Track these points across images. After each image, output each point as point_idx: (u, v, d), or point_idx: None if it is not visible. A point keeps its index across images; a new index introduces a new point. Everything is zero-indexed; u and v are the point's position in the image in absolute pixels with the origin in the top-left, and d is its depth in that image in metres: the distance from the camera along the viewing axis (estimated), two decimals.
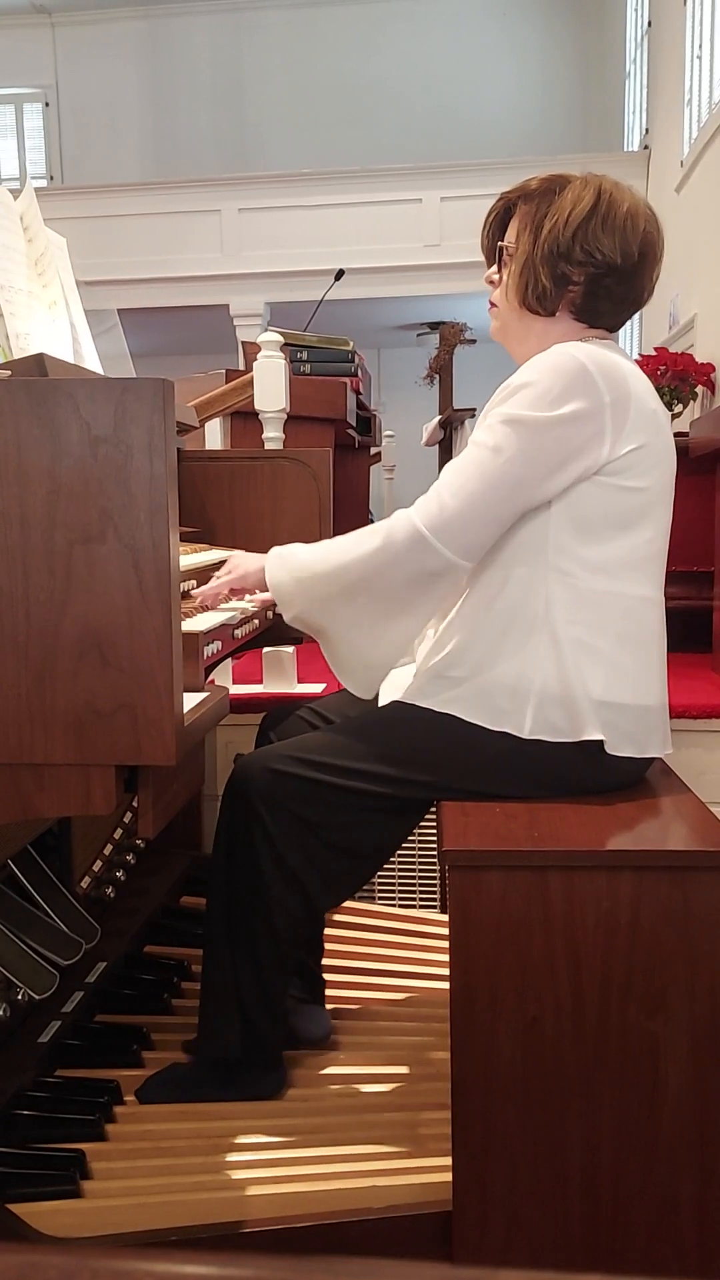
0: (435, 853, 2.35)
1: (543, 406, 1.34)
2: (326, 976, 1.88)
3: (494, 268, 1.53)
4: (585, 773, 1.41)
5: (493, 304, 1.54)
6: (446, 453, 5.23)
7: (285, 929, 1.44)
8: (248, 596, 1.59)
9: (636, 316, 8.06)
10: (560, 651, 1.37)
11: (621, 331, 8.43)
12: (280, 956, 1.46)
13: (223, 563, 1.78)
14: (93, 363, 1.64)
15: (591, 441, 1.36)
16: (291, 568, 1.45)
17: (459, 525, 1.36)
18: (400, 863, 2.37)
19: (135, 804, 1.13)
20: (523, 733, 1.37)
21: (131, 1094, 1.55)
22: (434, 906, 2.35)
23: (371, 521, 4.12)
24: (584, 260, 1.42)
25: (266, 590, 1.49)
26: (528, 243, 1.45)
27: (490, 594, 1.40)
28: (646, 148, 8.10)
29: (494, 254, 1.53)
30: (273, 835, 1.40)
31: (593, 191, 1.43)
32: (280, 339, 2.31)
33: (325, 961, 1.88)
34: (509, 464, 1.35)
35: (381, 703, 1.52)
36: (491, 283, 1.53)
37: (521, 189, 1.49)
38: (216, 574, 1.56)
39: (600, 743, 1.37)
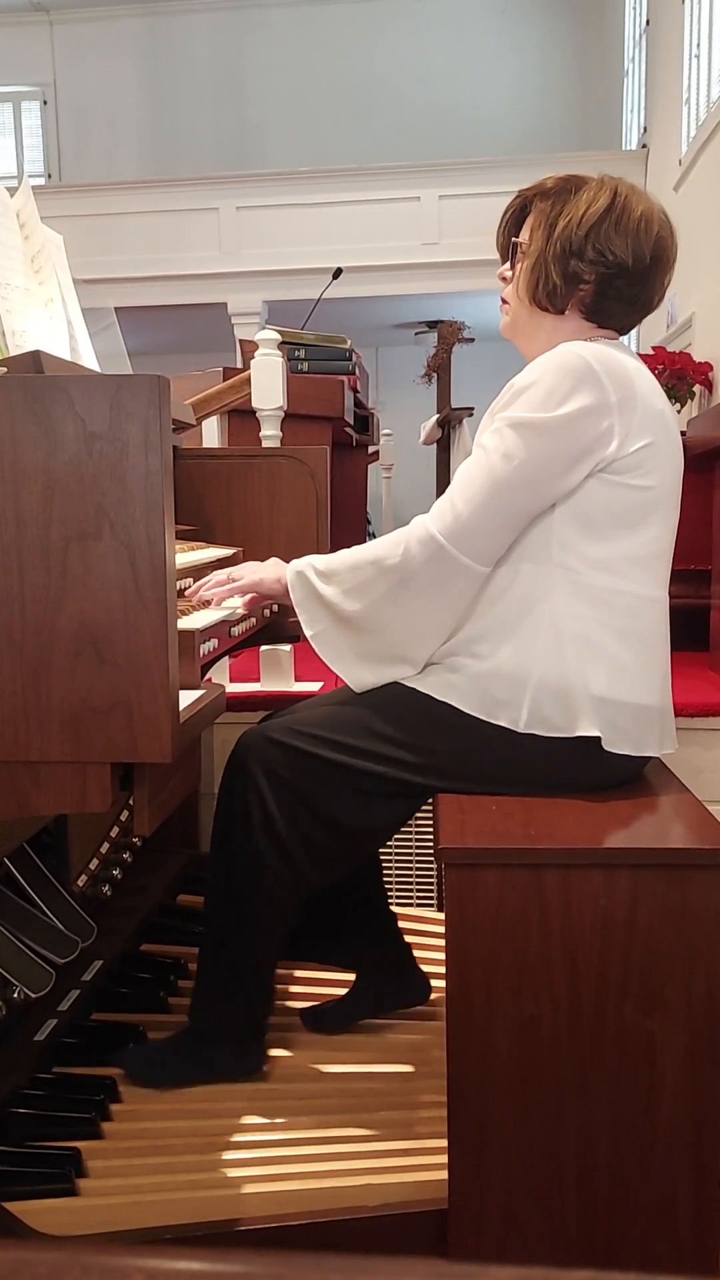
0: (432, 850, 2.35)
1: (549, 407, 1.35)
2: (322, 974, 1.88)
3: (507, 264, 1.54)
4: (579, 769, 1.41)
5: (504, 300, 1.55)
6: (445, 451, 5.23)
7: (280, 899, 1.46)
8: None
9: None
10: (562, 646, 1.37)
11: None
12: (272, 927, 1.49)
13: (221, 561, 1.78)
14: (90, 360, 1.63)
15: (600, 438, 1.36)
16: (314, 586, 1.44)
17: (475, 532, 1.37)
18: (397, 861, 2.37)
19: (132, 802, 1.13)
20: (517, 726, 1.37)
21: (128, 1087, 1.55)
22: (431, 904, 2.35)
23: (369, 523, 4.11)
24: (596, 260, 1.43)
25: (285, 600, 1.50)
26: (541, 239, 1.46)
27: (498, 589, 1.40)
28: (645, 146, 8.10)
29: (508, 250, 1.54)
30: (268, 804, 1.42)
31: (608, 193, 1.44)
32: (278, 337, 2.31)
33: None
34: (520, 469, 1.35)
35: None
36: (504, 279, 1.54)
37: (538, 187, 1.50)
38: (229, 574, 1.55)
39: (596, 740, 1.37)
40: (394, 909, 1.79)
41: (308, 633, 1.46)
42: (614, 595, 1.39)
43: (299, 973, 1.90)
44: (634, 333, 8.11)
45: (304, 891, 1.49)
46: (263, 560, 1.65)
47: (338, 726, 1.42)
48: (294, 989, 1.86)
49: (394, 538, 1.40)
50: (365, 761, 1.40)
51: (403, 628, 1.41)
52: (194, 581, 1.61)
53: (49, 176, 10.33)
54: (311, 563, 1.46)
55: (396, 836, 2.28)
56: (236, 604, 1.56)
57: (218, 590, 1.52)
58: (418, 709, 1.41)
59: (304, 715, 1.47)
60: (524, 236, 1.50)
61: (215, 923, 1.52)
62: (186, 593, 1.58)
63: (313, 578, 1.44)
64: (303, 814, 1.42)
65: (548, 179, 1.49)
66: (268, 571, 1.52)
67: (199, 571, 1.66)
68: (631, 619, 1.40)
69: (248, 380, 2.36)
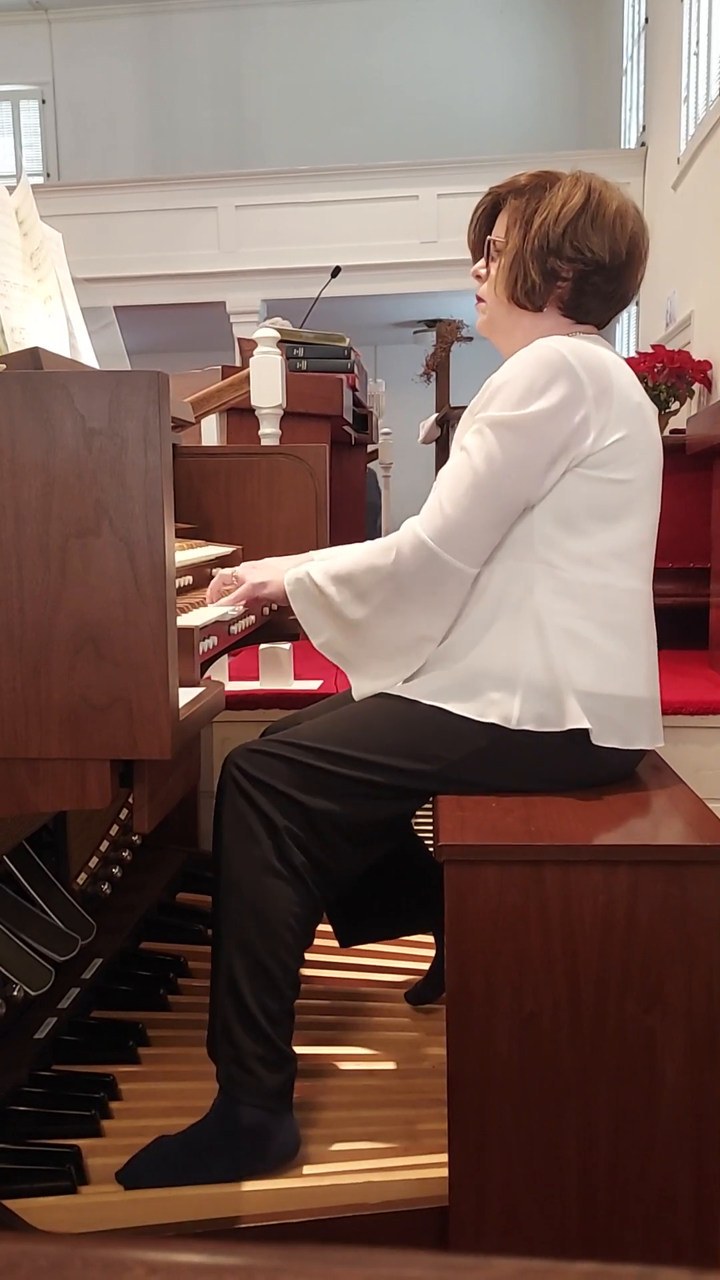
0: (431, 847, 2.34)
1: (525, 404, 1.35)
2: (317, 973, 1.88)
3: (481, 262, 1.54)
4: (574, 764, 1.40)
5: (479, 298, 1.55)
6: (444, 450, 5.23)
7: (284, 920, 1.38)
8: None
9: (633, 313, 8.03)
10: (546, 642, 1.37)
11: (618, 328, 8.41)
12: (283, 953, 1.38)
13: (219, 559, 1.78)
14: (89, 358, 1.63)
15: (578, 431, 1.36)
16: (316, 594, 1.44)
17: (462, 534, 1.37)
18: None
19: (131, 800, 1.13)
20: (510, 724, 1.37)
21: (128, 1086, 1.55)
22: None
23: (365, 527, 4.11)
24: (573, 257, 1.43)
25: (285, 604, 1.49)
26: (518, 237, 1.46)
27: (481, 588, 1.41)
28: (643, 144, 8.10)
29: (481, 248, 1.54)
30: (267, 815, 1.37)
31: (583, 189, 1.45)
32: (277, 334, 2.31)
33: (317, 958, 1.87)
34: (503, 469, 1.36)
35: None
36: (479, 277, 1.54)
37: (511, 184, 1.50)
38: (234, 574, 1.54)
39: (586, 733, 1.37)
40: None
41: (315, 641, 1.45)
42: (597, 589, 1.39)
43: None
44: (632, 331, 8.13)
45: (312, 902, 1.41)
46: (260, 558, 1.65)
47: (328, 737, 1.40)
48: None
49: (385, 543, 1.41)
50: (356, 770, 1.38)
51: (401, 632, 1.41)
52: (193, 579, 1.61)
53: (48, 176, 10.33)
54: (309, 571, 1.45)
55: None
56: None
57: (222, 600, 1.51)
58: (409, 715, 1.40)
59: (292, 730, 1.46)
60: (498, 234, 1.50)
61: (233, 957, 1.38)
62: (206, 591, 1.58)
63: (312, 586, 1.44)
64: (300, 822, 1.38)
65: (520, 175, 1.50)
66: (268, 576, 1.51)
67: (198, 569, 1.66)
68: (616, 612, 1.40)
69: (246, 378, 2.36)
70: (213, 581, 1.56)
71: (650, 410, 1.45)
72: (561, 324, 1.48)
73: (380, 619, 1.41)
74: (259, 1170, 1.37)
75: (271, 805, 1.38)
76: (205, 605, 1.51)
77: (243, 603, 1.51)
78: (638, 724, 1.42)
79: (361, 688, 1.46)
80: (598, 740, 1.38)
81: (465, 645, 1.41)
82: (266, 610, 1.73)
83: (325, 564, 1.46)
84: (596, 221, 1.43)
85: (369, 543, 1.45)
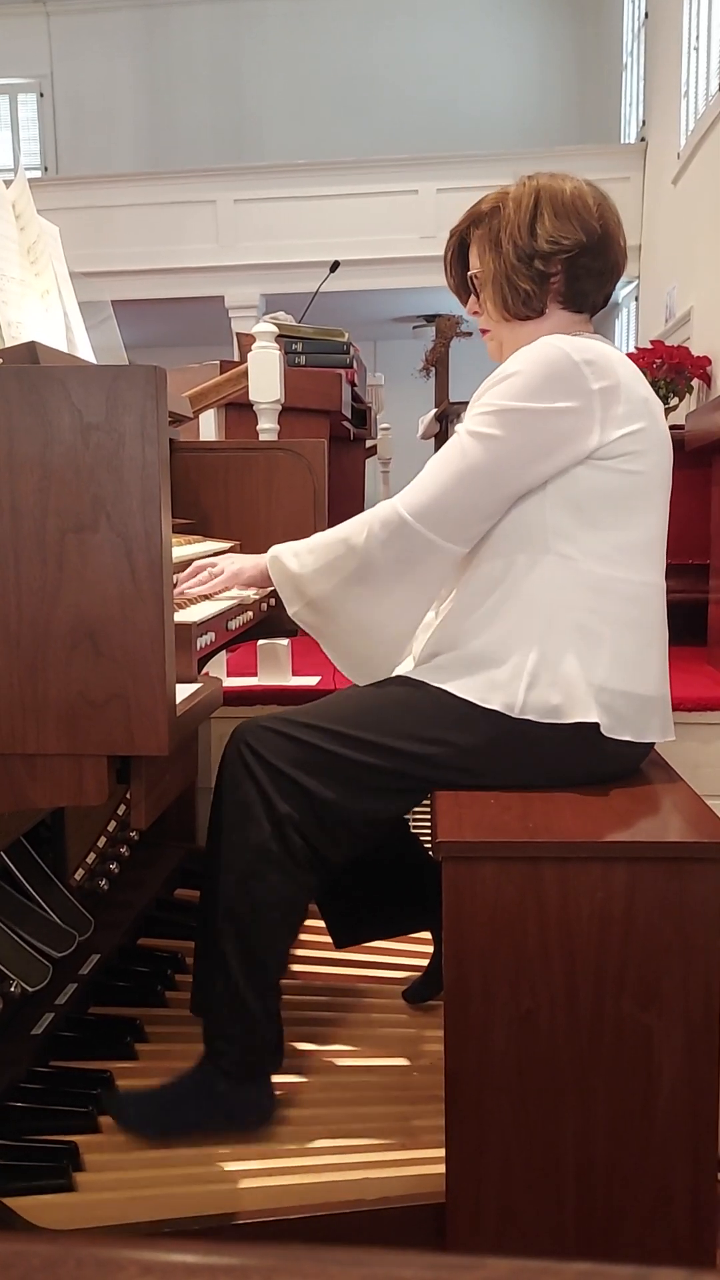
0: (429, 844, 2.34)
1: (527, 396, 1.36)
2: (316, 970, 1.88)
3: (471, 298, 1.56)
4: (582, 758, 1.40)
5: (484, 330, 1.57)
6: (442, 444, 5.22)
7: (277, 904, 1.39)
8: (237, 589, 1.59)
9: (633, 309, 7.97)
10: (560, 634, 1.37)
11: (618, 323, 8.36)
12: (273, 938, 1.40)
13: (217, 554, 1.77)
14: (86, 352, 1.63)
15: (577, 431, 1.37)
16: (290, 566, 1.47)
17: (438, 508, 1.39)
18: None
19: (129, 796, 1.12)
20: (513, 711, 1.37)
21: (125, 1082, 1.55)
22: None
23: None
24: (553, 251, 1.46)
25: (264, 586, 1.54)
26: (492, 259, 1.49)
27: (493, 580, 1.41)
28: (643, 140, 8.08)
29: (466, 286, 1.57)
30: (269, 797, 1.37)
31: (531, 191, 1.48)
32: (275, 329, 2.30)
33: (316, 954, 1.87)
34: (489, 450, 1.37)
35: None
36: (476, 314, 1.56)
37: (469, 217, 1.54)
38: (208, 569, 1.55)
39: (595, 727, 1.37)
40: None
41: (290, 610, 1.49)
42: (612, 582, 1.39)
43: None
44: (632, 326, 8.11)
45: (307, 887, 1.42)
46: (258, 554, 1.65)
47: (335, 718, 1.41)
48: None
49: (363, 516, 1.44)
50: (367, 755, 1.38)
51: (373, 606, 1.44)
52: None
53: (45, 169, 10.30)
54: (288, 546, 1.49)
55: None
56: (239, 594, 1.57)
57: (199, 589, 1.52)
58: (418, 699, 1.41)
59: (301, 707, 1.47)
60: (475, 266, 1.53)
61: (222, 932, 1.40)
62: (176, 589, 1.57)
63: (290, 561, 1.47)
64: (303, 802, 1.38)
65: (481, 201, 1.52)
66: (246, 560, 1.55)
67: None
68: (629, 606, 1.40)
69: (245, 373, 2.36)
70: (189, 569, 1.56)
71: (656, 405, 1.46)
72: (564, 319, 1.50)
73: (348, 591, 1.44)
74: (233, 1130, 1.43)
75: (274, 787, 1.38)
76: (195, 598, 1.52)
77: (222, 587, 1.54)
78: (649, 718, 1.43)
79: (342, 659, 1.50)
80: (609, 734, 1.38)
81: (475, 634, 1.42)
82: (264, 606, 1.73)
83: (305, 540, 1.50)
84: (559, 211, 1.46)
85: (349, 519, 1.47)
